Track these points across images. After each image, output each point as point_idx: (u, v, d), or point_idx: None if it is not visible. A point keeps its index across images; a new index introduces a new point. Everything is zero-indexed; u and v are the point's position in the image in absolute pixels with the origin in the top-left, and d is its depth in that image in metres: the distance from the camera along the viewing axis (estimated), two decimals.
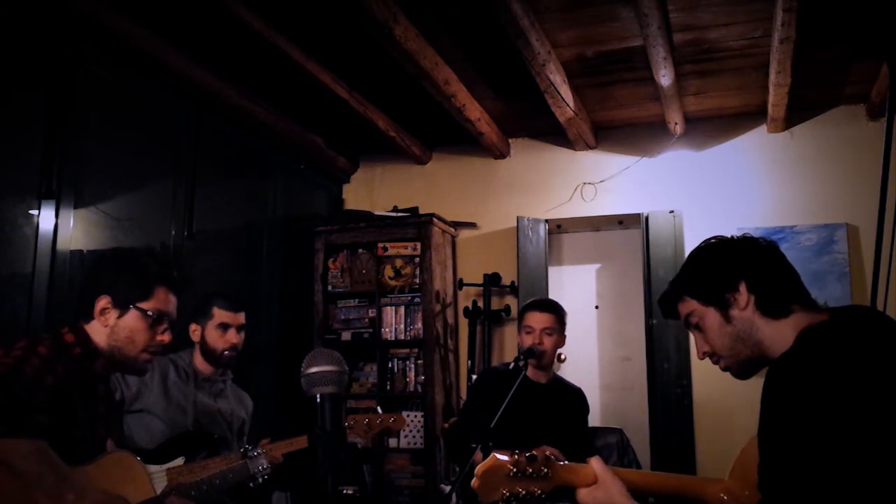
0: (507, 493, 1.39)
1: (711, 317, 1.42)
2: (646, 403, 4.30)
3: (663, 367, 4.29)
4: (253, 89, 3.88)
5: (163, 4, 3.03)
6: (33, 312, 2.79)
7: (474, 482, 1.41)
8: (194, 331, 2.78)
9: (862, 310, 1.41)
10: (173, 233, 3.55)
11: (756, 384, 4.45)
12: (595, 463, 1.44)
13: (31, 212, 2.83)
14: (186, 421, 2.64)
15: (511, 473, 1.40)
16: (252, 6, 3.03)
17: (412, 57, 3.33)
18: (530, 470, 1.40)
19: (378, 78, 3.84)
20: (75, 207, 3.01)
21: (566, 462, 1.45)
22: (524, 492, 1.39)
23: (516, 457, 1.41)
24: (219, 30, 3.17)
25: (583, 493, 1.42)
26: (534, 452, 1.41)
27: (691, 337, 4.74)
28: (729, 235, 1.50)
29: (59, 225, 2.90)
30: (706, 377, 4.29)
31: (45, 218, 2.86)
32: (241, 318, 2.82)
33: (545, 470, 1.41)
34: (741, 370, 1.44)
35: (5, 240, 2.74)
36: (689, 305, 1.46)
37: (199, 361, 2.79)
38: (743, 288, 1.38)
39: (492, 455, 1.42)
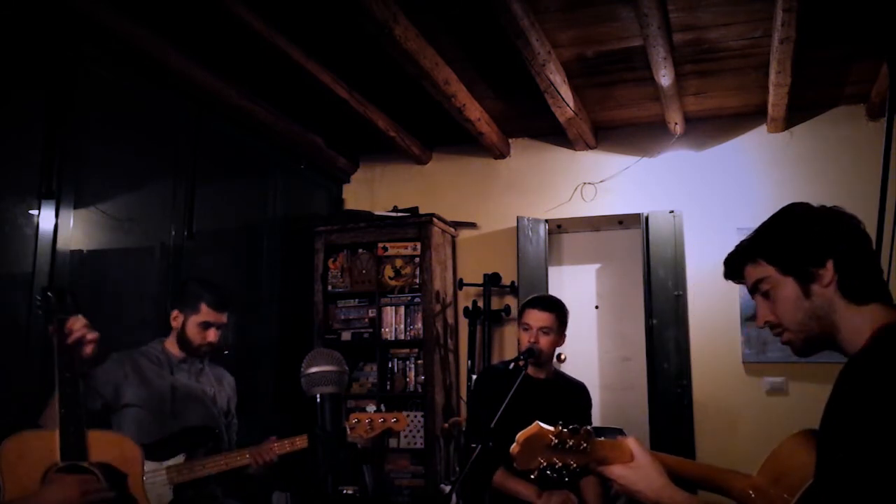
0: (545, 463, 1.40)
1: (789, 287, 1.34)
2: (646, 403, 4.30)
3: (663, 367, 4.29)
4: (253, 89, 3.88)
5: (163, 4, 3.03)
6: (33, 312, 2.79)
7: (514, 448, 1.41)
8: (175, 317, 2.77)
9: None
10: (173, 233, 3.55)
11: (756, 384, 4.44)
12: (632, 442, 1.44)
13: (31, 212, 2.83)
14: (169, 406, 2.64)
15: (552, 444, 1.40)
16: (252, 6, 3.03)
17: (412, 57, 3.33)
18: (571, 442, 1.41)
19: (378, 78, 3.84)
20: (75, 207, 3.01)
21: (604, 438, 1.46)
22: (560, 463, 1.40)
23: (559, 427, 1.41)
24: (219, 30, 3.17)
25: (617, 469, 1.41)
26: (577, 426, 1.42)
27: (691, 337, 4.72)
28: (817, 205, 1.41)
29: (59, 225, 2.90)
30: (706, 377, 4.29)
31: (45, 218, 2.86)
32: (223, 317, 2.80)
33: (584, 445, 1.41)
34: (805, 347, 1.36)
35: (5, 240, 2.74)
36: (764, 270, 1.38)
37: (172, 346, 2.79)
38: (830, 265, 1.30)
39: (535, 423, 1.42)
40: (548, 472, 1.39)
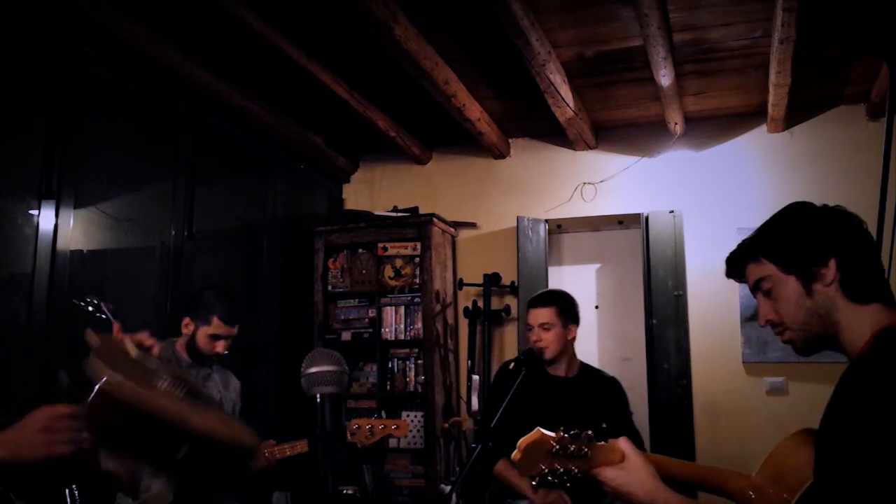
0: (546, 469, 1.39)
1: (791, 286, 1.33)
2: (646, 403, 4.29)
3: (663, 367, 4.29)
4: (253, 89, 3.88)
5: (162, 4, 3.03)
6: (33, 312, 2.79)
7: (515, 454, 1.40)
8: (186, 324, 2.78)
9: None
10: (173, 233, 3.55)
11: (756, 384, 4.43)
12: (623, 443, 1.43)
13: (31, 212, 2.83)
14: None
15: (553, 450, 1.39)
16: (252, 6, 3.02)
17: (412, 57, 3.33)
18: (572, 448, 1.40)
19: (378, 78, 3.84)
20: (75, 207, 3.01)
21: (606, 443, 1.45)
22: (562, 469, 1.39)
23: (560, 433, 1.40)
24: (219, 30, 3.17)
25: (609, 471, 1.40)
26: (577, 431, 1.41)
27: (691, 337, 4.71)
28: (820, 204, 1.39)
29: (59, 225, 2.90)
30: (706, 377, 4.29)
31: (45, 218, 2.86)
32: (234, 330, 2.79)
33: (586, 450, 1.40)
34: (806, 346, 1.36)
35: (5, 240, 2.74)
36: (766, 269, 1.37)
37: (182, 350, 2.80)
38: (832, 264, 1.29)
39: (536, 429, 1.42)
40: (549, 477, 1.38)
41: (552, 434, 1.40)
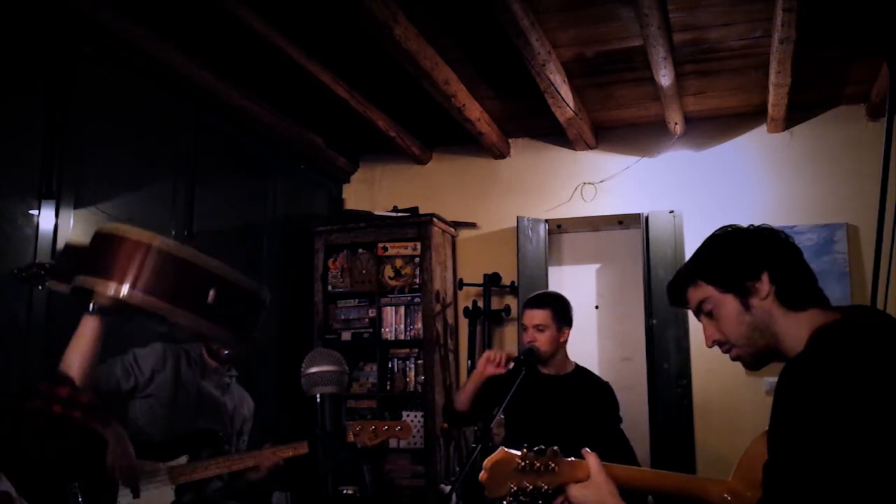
0: (515, 488, 1.39)
1: (729, 304, 1.39)
2: (646, 403, 4.30)
3: (663, 367, 4.29)
4: (253, 89, 3.88)
5: (163, 4, 3.03)
6: (33, 313, 2.79)
7: (482, 475, 1.41)
8: None
9: (870, 310, 1.40)
10: (173, 233, 3.55)
11: (756, 384, 4.43)
12: (590, 459, 1.44)
13: (31, 212, 2.83)
14: (189, 407, 2.66)
15: (519, 467, 1.40)
16: (252, 6, 3.02)
17: (412, 57, 3.33)
18: (538, 464, 1.40)
19: (378, 78, 3.84)
20: (75, 207, 3.00)
21: (573, 458, 1.45)
22: (531, 486, 1.40)
23: (525, 450, 1.41)
24: (219, 30, 3.17)
25: (573, 489, 1.42)
26: (542, 447, 1.42)
27: (691, 337, 4.70)
28: (746, 225, 1.46)
29: (59, 225, 2.90)
30: (706, 377, 4.29)
31: (45, 218, 2.86)
32: None
33: (552, 465, 1.41)
34: (754, 360, 1.41)
35: (5, 239, 2.73)
36: (705, 291, 1.43)
37: (205, 354, 2.83)
38: (765, 277, 1.35)
39: (500, 448, 1.43)
40: (521, 497, 1.39)
41: (516, 452, 1.41)
